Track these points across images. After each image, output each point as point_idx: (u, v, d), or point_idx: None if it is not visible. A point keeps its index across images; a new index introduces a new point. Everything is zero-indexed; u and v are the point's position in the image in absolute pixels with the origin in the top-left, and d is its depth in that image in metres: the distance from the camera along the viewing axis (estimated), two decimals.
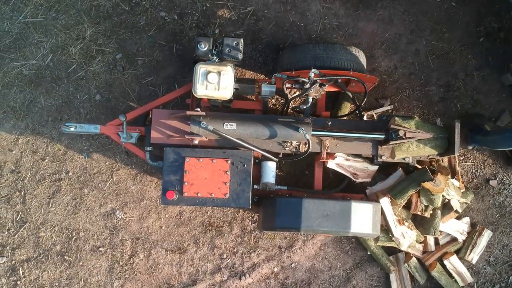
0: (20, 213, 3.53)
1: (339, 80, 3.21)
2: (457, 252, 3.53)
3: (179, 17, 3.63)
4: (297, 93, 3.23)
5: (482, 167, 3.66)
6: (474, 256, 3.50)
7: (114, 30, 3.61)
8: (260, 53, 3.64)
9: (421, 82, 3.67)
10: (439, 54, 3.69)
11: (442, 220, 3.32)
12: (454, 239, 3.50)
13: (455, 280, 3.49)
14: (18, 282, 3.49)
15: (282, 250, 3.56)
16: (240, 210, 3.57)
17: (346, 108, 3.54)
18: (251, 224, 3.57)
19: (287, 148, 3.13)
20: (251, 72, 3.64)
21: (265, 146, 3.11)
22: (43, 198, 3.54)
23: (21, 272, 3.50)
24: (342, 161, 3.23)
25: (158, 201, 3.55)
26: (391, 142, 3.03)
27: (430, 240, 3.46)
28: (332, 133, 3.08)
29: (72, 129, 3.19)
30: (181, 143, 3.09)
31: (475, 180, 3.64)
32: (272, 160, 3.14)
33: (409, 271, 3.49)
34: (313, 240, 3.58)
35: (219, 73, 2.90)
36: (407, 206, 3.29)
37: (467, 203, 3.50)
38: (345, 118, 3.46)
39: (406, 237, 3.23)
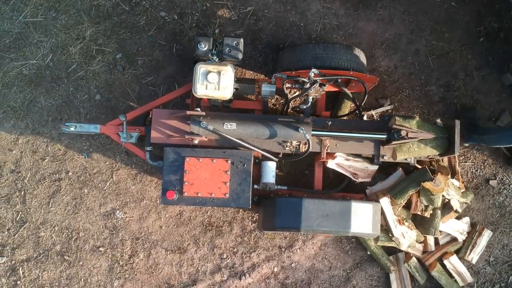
0: (20, 213, 3.53)
1: (339, 80, 3.21)
2: (457, 252, 3.53)
3: (179, 17, 3.63)
4: (297, 93, 3.23)
5: (482, 167, 3.66)
6: (474, 256, 3.50)
7: (114, 30, 3.61)
8: (260, 53, 3.64)
9: (421, 82, 3.67)
10: (439, 54, 3.69)
11: (442, 220, 3.32)
12: (454, 239, 3.50)
13: (455, 280, 3.49)
14: (18, 282, 3.50)
15: (282, 250, 3.56)
16: (240, 210, 3.57)
17: (346, 108, 3.54)
18: (251, 224, 3.57)
19: (287, 148, 3.13)
20: (251, 72, 3.64)
21: (265, 146, 3.11)
22: (43, 198, 3.54)
23: (21, 272, 3.50)
24: (342, 161, 3.23)
25: (158, 201, 3.55)
26: (393, 142, 3.03)
27: (430, 240, 3.46)
28: (333, 133, 3.08)
29: (72, 129, 3.19)
30: (181, 143, 3.09)
31: (475, 180, 3.64)
32: (272, 160, 3.14)
33: (409, 271, 3.49)
34: (313, 240, 3.58)
35: (219, 73, 2.90)
36: (407, 206, 3.29)
37: (467, 203, 3.50)
38: (345, 118, 3.46)
39: (406, 237, 3.23)
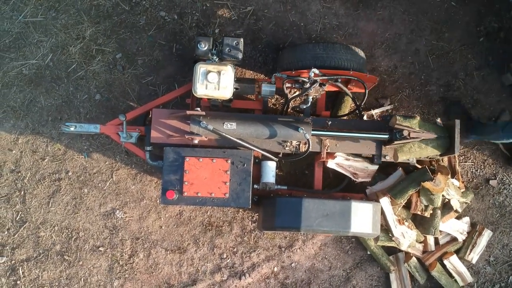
0: (20, 212, 3.52)
1: (339, 80, 3.21)
2: (457, 252, 3.53)
3: (179, 16, 3.63)
4: (297, 92, 3.23)
5: (482, 166, 3.65)
6: (474, 256, 3.50)
7: (114, 29, 3.61)
8: (260, 52, 3.64)
9: (421, 82, 3.67)
10: (439, 54, 3.69)
11: (442, 220, 3.32)
12: (454, 239, 3.50)
13: (455, 280, 3.49)
14: (18, 282, 3.49)
15: (282, 250, 3.56)
16: (240, 210, 3.57)
17: (346, 107, 3.54)
18: (251, 224, 3.57)
19: (287, 148, 3.13)
20: (251, 71, 3.64)
21: (265, 145, 3.10)
22: (43, 198, 3.54)
23: (21, 271, 3.50)
24: (342, 161, 3.23)
25: (158, 201, 3.55)
26: (395, 142, 3.03)
27: (430, 239, 3.46)
28: (334, 133, 3.08)
29: (72, 128, 3.19)
30: (181, 143, 3.09)
31: (475, 180, 3.64)
32: (272, 159, 3.14)
33: (409, 271, 3.49)
34: (313, 239, 3.57)
35: (219, 72, 2.90)
36: (407, 206, 3.29)
37: (467, 202, 3.50)
38: (345, 117, 3.45)
39: (406, 236, 3.23)
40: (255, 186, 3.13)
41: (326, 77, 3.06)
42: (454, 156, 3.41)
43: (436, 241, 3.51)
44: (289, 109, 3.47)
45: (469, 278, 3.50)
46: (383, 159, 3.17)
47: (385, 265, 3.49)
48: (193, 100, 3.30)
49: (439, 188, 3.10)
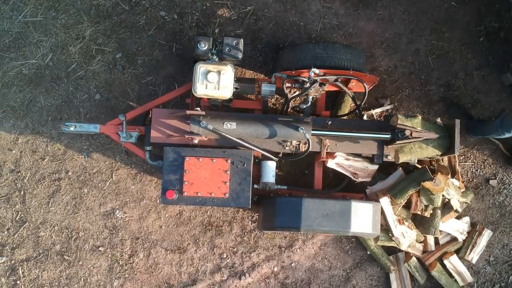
0: (20, 212, 3.52)
1: (339, 80, 3.21)
2: (457, 251, 3.53)
3: (179, 16, 3.63)
4: (297, 92, 3.23)
5: (482, 166, 3.65)
6: (474, 255, 3.50)
7: (114, 29, 3.61)
8: (260, 52, 3.64)
9: (421, 82, 3.67)
10: (439, 54, 3.68)
11: (442, 220, 3.31)
12: (454, 239, 3.50)
13: (455, 280, 3.48)
14: (18, 282, 3.49)
15: (282, 250, 3.56)
16: (240, 210, 3.57)
17: (346, 107, 3.53)
18: (251, 224, 3.57)
19: (287, 148, 3.12)
20: (251, 71, 3.64)
21: (265, 145, 3.10)
22: (42, 198, 3.53)
23: (20, 271, 3.50)
24: (342, 161, 3.23)
25: (158, 201, 3.54)
26: (397, 142, 3.02)
27: (430, 239, 3.46)
28: (334, 132, 3.08)
29: (71, 128, 3.19)
30: (181, 143, 3.08)
31: (475, 180, 3.64)
32: (272, 159, 3.13)
33: (409, 271, 3.49)
34: (313, 239, 3.57)
35: (219, 72, 2.90)
36: (407, 206, 3.29)
37: (467, 202, 3.49)
38: (345, 117, 3.45)
39: (406, 236, 3.23)
40: (255, 186, 3.13)
41: (326, 77, 3.05)
42: (454, 156, 3.41)
43: (436, 241, 3.51)
44: (289, 109, 3.47)
45: (469, 278, 3.50)
46: (385, 159, 3.16)
47: (385, 265, 3.48)
48: (193, 100, 3.30)
49: (439, 188, 3.10)
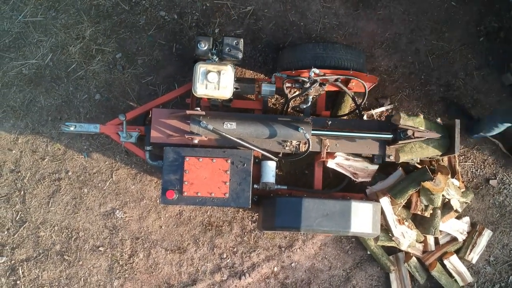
0: (20, 212, 3.52)
1: (339, 80, 3.21)
2: (457, 251, 3.53)
3: (179, 16, 3.63)
4: (297, 92, 3.23)
5: (482, 166, 3.65)
6: (474, 255, 3.49)
7: (114, 29, 3.61)
8: (260, 52, 3.64)
9: (421, 82, 3.67)
10: (439, 54, 3.68)
11: (442, 220, 3.31)
12: (454, 239, 3.50)
13: (455, 280, 3.48)
14: (18, 282, 3.49)
15: (282, 250, 3.56)
16: (240, 210, 3.57)
17: (346, 107, 3.53)
18: (251, 224, 3.57)
19: (287, 148, 3.12)
20: (251, 71, 3.64)
21: (265, 145, 3.10)
22: (42, 198, 3.53)
23: (20, 271, 3.50)
24: (342, 161, 3.22)
25: (158, 201, 3.54)
26: (399, 142, 3.02)
27: (430, 239, 3.46)
28: (335, 132, 3.08)
29: (71, 128, 3.19)
30: (181, 143, 3.08)
31: (475, 180, 3.64)
32: (272, 159, 3.13)
33: (409, 271, 3.49)
34: (313, 239, 3.57)
35: (219, 72, 2.90)
36: (407, 206, 3.29)
37: (467, 202, 3.49)
38: (345, 117, 3.45)
39: (406, 236, 3.23)
40: (255, 186, 3.13)
41: (326, 77, 3.05)
42: (454, 156, 3.41)
43: (436, 241, 3.51)
44: (289, 109, 3.47)
45: (469, 278, 3.50)
46: (387, 159, 3.16)
47: (385, 265, 3.48)
48: (193, 100, 3.30)
49: (439, 188, 3.10)
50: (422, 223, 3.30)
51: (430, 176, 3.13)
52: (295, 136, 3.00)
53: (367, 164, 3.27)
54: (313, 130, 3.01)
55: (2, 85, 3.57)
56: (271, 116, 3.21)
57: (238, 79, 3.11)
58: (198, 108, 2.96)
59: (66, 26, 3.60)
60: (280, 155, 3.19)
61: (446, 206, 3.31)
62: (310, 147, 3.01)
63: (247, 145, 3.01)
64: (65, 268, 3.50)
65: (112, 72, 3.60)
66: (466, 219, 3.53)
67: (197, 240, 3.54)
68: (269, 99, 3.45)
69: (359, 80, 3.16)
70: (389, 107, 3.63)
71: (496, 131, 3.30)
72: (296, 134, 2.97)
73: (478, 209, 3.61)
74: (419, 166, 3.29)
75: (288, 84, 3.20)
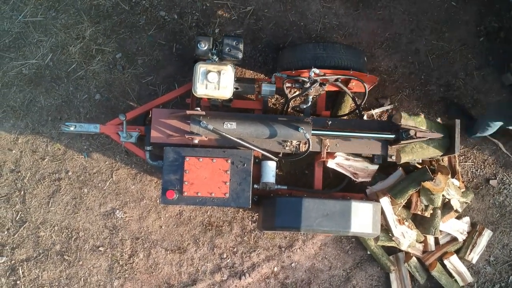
0: (20, 212, 3.52)
1: (339, 80, 3.21)
2: (457, 251, 3.53)
3: (179, 16, 3.63)
4: (297, 92, 3.23)
5: (482, 166, 3.65)
6: (474, 255, 3.49)
7: (114, 29, 3.61)
8: (260, 52, 3.63)
9: (421, 82, 3.67)
10: (439, 54, 3.68)
11: (442, 220, 3.31)
12: (454, 239, 3.50)
13: (455, 280, 3.48)
14: (18, 282, 3.49)
15: (282, 250, 3.56)
16: (240, 210, 3.57)
17: (346, 107, 3.53)
18: (251, 224, 3.56)
19: (287, 148, 3.12)
20: (251, 71, 3.64)
21: (265, 145, 3.10)
22: (42, 198, 3.53)
23: (20, 271, 3.50)
24: (342, 161, 3.22)
25: (158, 201, 3.54)
26: (402, 142, 3.02)
27: (430, 239, 3.46)
28: (339, 133, 3.08)
29: (72, 128, 3.19)
30: (181, 143, 3.08)
31: (475, 180, 3.64)
32: (272, 159, 3.13)
33: (409, 271, 3.49)
34: (313, 239, 3.57)
35: (219, 72, 2.89)
36: (407, 206, 3.29)
37: (467, 202, 3.49)
38: (345, 117, 3.45)
39: (406, 236, 3.23)
40: (255, 186, 3.13)
41: (326, 77, 3.05)
42: (454, 156, 3.41)
43: (436, 241, 3.51)
44: (289, 109, 3.47)
45: (469, 278, 3.50)
46: (388, 159, 3.16)
47: (385, 265, 3.48)
48: (193, 100, 3.30)
49: (439, 188, 3.10)
50: (422, 223, 3.30)
51: (430, 176, 3.13)
52: (295, 136, 3.00)
53: (367, 164, 3.27)
54: (313, 130, 3.01)
55: (2, 85, 3.56)
56: (271, 116, 3.21)
57: (238, 79, 3.11)
58: (198, 108, 2.96)
59: (66, 26, 3.60)
60: (280, 155, 3.19)
61: (446, 206, 3.31)
62: (310, 147, 3.01)
63: (247, 145, 3.01)
64: (65, 268, 3.50)
65: (112, 72, 3.60)
66: (466, 219, 3.53)
67: (197, 240, 3.54)
68: (269, 99, 3.45)
69: (359, 80, 3.16)
70: (389, 107, 3.63)
71: (490, 130, 3.32)
72: (296, 134, 2.97)
73: (478, 209, 3.61)
74: (419, 166, 3.29)
75: (288, 84, 3.20)
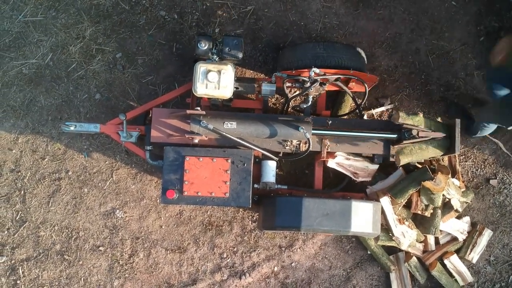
0: (20, 212, 3.52)
1: (340, 79, 3.21)
2: (457, 251, 3.53)
3: (179, 16, 3.63)
4: (297, 92, 3.23)
5: (483, 166, 3.65)
6: (474, 255, 3.49)
7: (114, 29, 3.61)
8: (260, 52, 3.64)
9: (421, 81, 3.67)
10: (440, 53, 3.68)
11: (443, 220, 3.31)
12: (454, 239, 3.50)
13: (456, 280, 3.48)
14: (18, 282, 3.49)
15: (282, 250, 3.56)
16: (240, 209, 3.57)
17: (347, 107, 3.53)
18: (251, 224, 3.56)
19: (287, 147, 3.12)
20: (251, 71, 3.64)
21: (265, 145, 3.10)
22: (43, 197, 3.53)
23: (20, 271, 3.50)
24: (342, 160, 3.22)
25: (158, 200, 3.54)
26: (404, 142, 3.02)
27: (431, 239, 3.46)
28: (341, 132, 3.07)
29: (72, 128, 3.19)
30: (181, 142, 3.08)
31: (475, 179, 3.64)
32: (272, 159, 3.13)
33: (409, 271, 3.49)
34: (313, 239, 3.57)
35: (219, 72, 2.89)
36: (408, 205, 3.29)
37: (467, 202, 3.49)
38: (345, 117, 3.45)
39: (406, 236, 3.23)
40: (255, 185, 3.13)
41: (326, 77, 3.05)
42: (455, 155, 3.41)
43: (437, 240, 3.51)
44: (289, 109, 3.47)
45: (469, 277, 3.50)
46: (391, 159, 3.16)
47: (385, 265, 3.48)
48: (193, 100, 3.30)
49: (439, 187, 3.10)
50: (422, 223, 3.30)
51: (430, 176, 3.13)
52: (295, 136, 3.00)
53: (368, 163, 3.27)
54: (313, 129, 3.01)
55: (2, 85, 3.56)
56: (272, 115, 3.20)
57: (238, 79, 3.11)
58: (199, 108, 2.96)
59: (66, 26, 3.60)
60: (281, 154, 3.19)
61: (447, 206, 3.31)
62: (311, 146, 3.01)
63: (247, 144, 3.01)
64: (65, 268, 3.50)
65: (112, 72, 3.60)
66: (467, 218, 3.53)
67: (197, 240, 3.54)
68: (269, 98, 3.45)
69: (360, 79, 3.16)
70: (389, 106, 3.63)
71: (488, 130, 3.33)
72: (296, 133, 2.97)
73: (478, 209, 3.61)
74: (420, 166, 3.29)
75: (288, 84, 3.20)
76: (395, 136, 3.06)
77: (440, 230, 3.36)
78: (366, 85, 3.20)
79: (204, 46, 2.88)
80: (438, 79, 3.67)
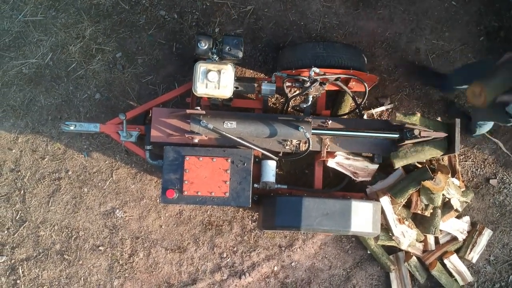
0: (20, 212, 3.52)
1: (340, 79, 3.21)
2: (457, 251, 3.53)
3: (179, 16, 3.63)
4: (297, 91, 3.23)
5: (482, 166, 3.65)
6: (474, 255, 3.49)
7: (114, 29, 3.61)
8: (260, 52, 3.63)
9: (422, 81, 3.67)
10: (440, 53, 3.68)
11: (442, 219, 3.31)
12: (454, 238, 3.50)
13: (455, 279, 3.48)
14: (18, 281, 3.49)
15: (282, 249, 3.56)
16: (240, 209, 3.57)
17: (346, 107, 3.53)
18: (251, 223, 3.56)
19: (287, 147, 3.12)
20: (251, 70, 3.64)
21: (265, 144, 3.10)
22: (42, 197, 3.53)
23: (20, 271, 3.50)
24: (342, 160, 3.22)
25: (158, 200, 3.54)
26: (406, 142, 3.02)
27: (430, 239, 3.46)
28: (342, 132, 3.07)
29: (71, 128, 3.18)
30: (181, 142, 3.08)
31: (475, 179, 3.64)
32: (272, 159, 3.13)
33: (409, 270, 3.49)
34: (313, 239, 3.57)
35: (219, 71, 2.89)
36: (407, 205, 3.29)
37: (467, 202, 3.49)
38: (345, 117, 3.45)
39: (406, 236, 3.23)
40: (255, 185, 3.13)
41: (326, 76, 3.05)
42: (454, 155, 3.41)
43: (436, 240, 3.51)
44: (289, 108, 3.47)
45: (469, 277, 3.50)
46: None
47: (385, 265, 3.48)
48: (193, 99, 3.30)
49: (439, 187, 3.10)
50: (422, 223, 3.30)
51: (430, 175, 3.13)
52: (295, 135, 3.00)
53: (367, 163, 3.27)
54: (313, 129, 3.01)
55: (2, 85, 3.56)
56: (271, 115, 3.21)
57: (238, 78, 3.11)
58: (198, 107, 2.96)
59: (66, 26, 3.60)
60: (280, 154, 3.19)
61: (446, 206, 3.31)
62: (310, 146, 3.01)
63: (247, 144, 3.01)
64: (65, 268, 3.50)
65: (112, 72, 3.60)
66: (466, 218, 3.53)
67: (197, 240, 3.54)
68: (269, 98, 3.45)
69: (359, 79, 3.16)
70: (389, 106, 3.63)
71: (486, 128, 3.33)
72: (296, 133, 2.97)
73: (478, 209, 3.61)
74: (420, 166, 3.29)
75: (288, 84, 3.20)
76: (396, 136, 3.06)
77: (440, 230, 3.36)
78: (366, 85, 3.20)
79: (204, 45, 2.88)
80: None
